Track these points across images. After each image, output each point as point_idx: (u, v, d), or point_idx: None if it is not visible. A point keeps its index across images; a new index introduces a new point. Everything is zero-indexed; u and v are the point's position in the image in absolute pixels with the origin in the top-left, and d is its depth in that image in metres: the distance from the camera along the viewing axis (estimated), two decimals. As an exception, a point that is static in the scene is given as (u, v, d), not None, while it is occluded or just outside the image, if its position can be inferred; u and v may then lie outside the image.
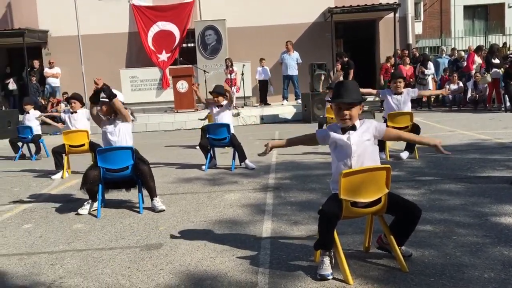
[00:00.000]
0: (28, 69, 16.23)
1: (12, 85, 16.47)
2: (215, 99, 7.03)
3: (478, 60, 14.86)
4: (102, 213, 4.82)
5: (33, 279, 3.25)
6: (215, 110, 7.09)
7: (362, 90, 7.14)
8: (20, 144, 9.23)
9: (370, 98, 15.87)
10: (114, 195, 5.29)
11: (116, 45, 17.01)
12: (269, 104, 14.91)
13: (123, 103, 4.90)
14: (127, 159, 4.81)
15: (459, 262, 3.13)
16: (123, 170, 4.81)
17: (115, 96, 4.70)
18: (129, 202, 5.29)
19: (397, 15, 15.82)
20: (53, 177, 6.97)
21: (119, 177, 4.89)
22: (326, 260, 3.01)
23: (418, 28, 25.69)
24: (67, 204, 5.35)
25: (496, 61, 13.38)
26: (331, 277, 2.95)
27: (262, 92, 15.14)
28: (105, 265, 3.43)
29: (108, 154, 4.80)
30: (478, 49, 15.12)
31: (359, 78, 15.80)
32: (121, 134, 4.88)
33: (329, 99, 3.70)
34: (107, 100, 4.77)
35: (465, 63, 14.96)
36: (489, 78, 13.29)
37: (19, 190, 6.25)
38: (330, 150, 3.22)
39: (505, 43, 18.10)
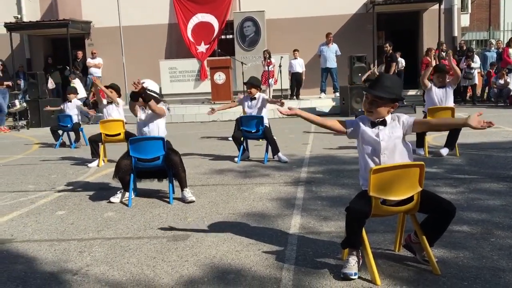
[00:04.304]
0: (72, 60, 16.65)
1: (51, 84, 16.62)
2: (249, 90, 6.97)
3: None
4: (133, 202, 4.87)
5: (61, 266, 3.30)
6: (248, 103, 7.02)
7: (427, 82, 6.72)
8: (60, 132, 9.49)
9: (412, 92, 15.47)
10: (146, 184, 5.34)
11: (156, 36, 17.20)
12: (300, 98, 14.66)
13: (160, 95, 4.97)
14: (158, 149, 4.82)
15: (496, 266, 2.95)
16: (154, 160, 4.83)
17: (150, 99, 4.74)
18: (161, 192, 5.32)
19: (442, 6, 15.24)
20: (89, 165, 7.12)
21: (151, 167, 4.92)
22: (352, 259, 2.90)
23: (465, 20, 24.66)
24: (101, 192, 5.44)
25: None
26: (354, 277, 2.84)
27: (295, 85, 14.90)
28: (132, 255, 3.44)
29: (140, 143, 4.83)
30: (511, 42, 14.50)
31: (400, 72, 15.38)
32: (154, 125, 4.92)
33: None
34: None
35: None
36: None
37: (56, 177, 6.41)
38: (358, 143, 3.09)
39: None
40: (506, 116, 10.91)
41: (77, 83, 14.90)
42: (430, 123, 3.24)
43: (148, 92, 4.79)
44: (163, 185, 5.30)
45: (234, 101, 8.21)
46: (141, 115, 4.95)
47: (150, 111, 4.88)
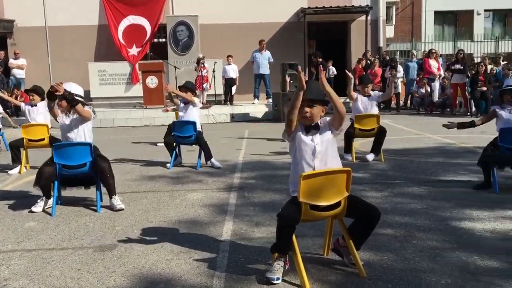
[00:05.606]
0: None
1: None
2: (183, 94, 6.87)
3: (434, 63, 15.08)
4: (57, 211, 4.63)
5: (-25, 281, 3.06)
6: (181, 105, 6.93)
7: (352, 93, 7.01)
8: (-22, 137, 8.86)
9: (341, 100, 15.99)
10: (72, 192, 5.09)
11: (84, 37, 16.58)
12: (233, 104, 14.73)
13: (86, 98, 4.79)
14: (85, 156, 4.63)
15: (417, 267, 3.10)
16: (80, 166, 4.63)
17: (77, 102, 4.57)
18: (87, 200, 5.11)
19: (369, 18, 15.95)
20: (10, 172, 6.70)
21: (76, 174, 4.70)
22: (278, 264, 2.96)
23: (390, 31, 26.03)
24: (22, 200, 5.12)
25: (458, 66, 13.56)
26: (277, 281, 2.90)
27: (229, 90, 14.95)
28: (54, 267, 3.27)
29: (65, 149, 4.61)
30: (430, 53, 15.42)
31: (330, 79, 15.88)
32: (80, 131, 4.71)
33: None
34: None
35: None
36: None
37: (-28, 185, 5.98)
38: (291, 150, 3.13)
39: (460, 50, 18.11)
40: (427, 124, 11.57)
41: None
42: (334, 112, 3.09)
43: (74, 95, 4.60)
44: (90, 192, 5.08)
45: (166, 106, 8.13)
46: (65, 120, 4.73)
47: (75, 116, 4.68)
